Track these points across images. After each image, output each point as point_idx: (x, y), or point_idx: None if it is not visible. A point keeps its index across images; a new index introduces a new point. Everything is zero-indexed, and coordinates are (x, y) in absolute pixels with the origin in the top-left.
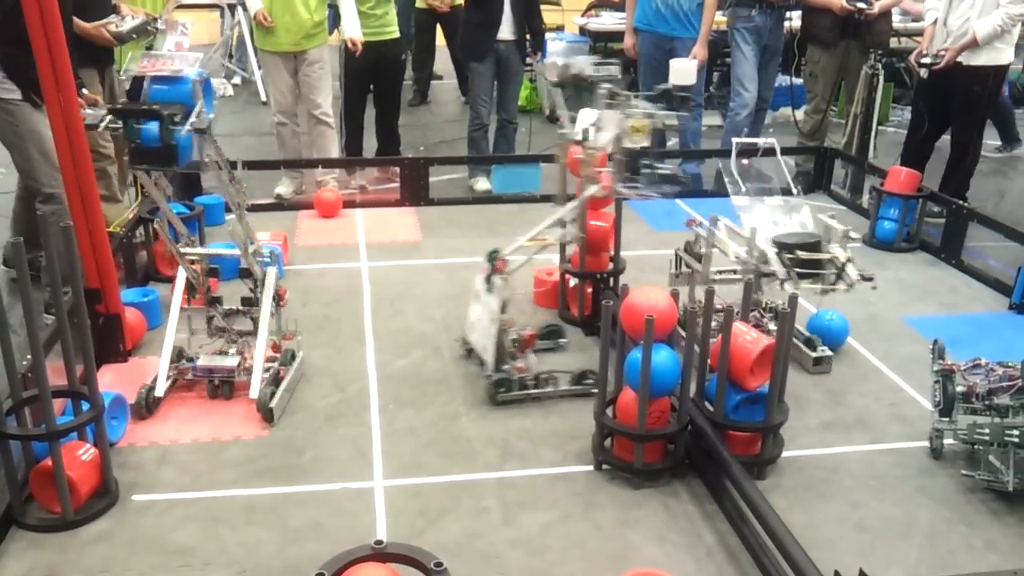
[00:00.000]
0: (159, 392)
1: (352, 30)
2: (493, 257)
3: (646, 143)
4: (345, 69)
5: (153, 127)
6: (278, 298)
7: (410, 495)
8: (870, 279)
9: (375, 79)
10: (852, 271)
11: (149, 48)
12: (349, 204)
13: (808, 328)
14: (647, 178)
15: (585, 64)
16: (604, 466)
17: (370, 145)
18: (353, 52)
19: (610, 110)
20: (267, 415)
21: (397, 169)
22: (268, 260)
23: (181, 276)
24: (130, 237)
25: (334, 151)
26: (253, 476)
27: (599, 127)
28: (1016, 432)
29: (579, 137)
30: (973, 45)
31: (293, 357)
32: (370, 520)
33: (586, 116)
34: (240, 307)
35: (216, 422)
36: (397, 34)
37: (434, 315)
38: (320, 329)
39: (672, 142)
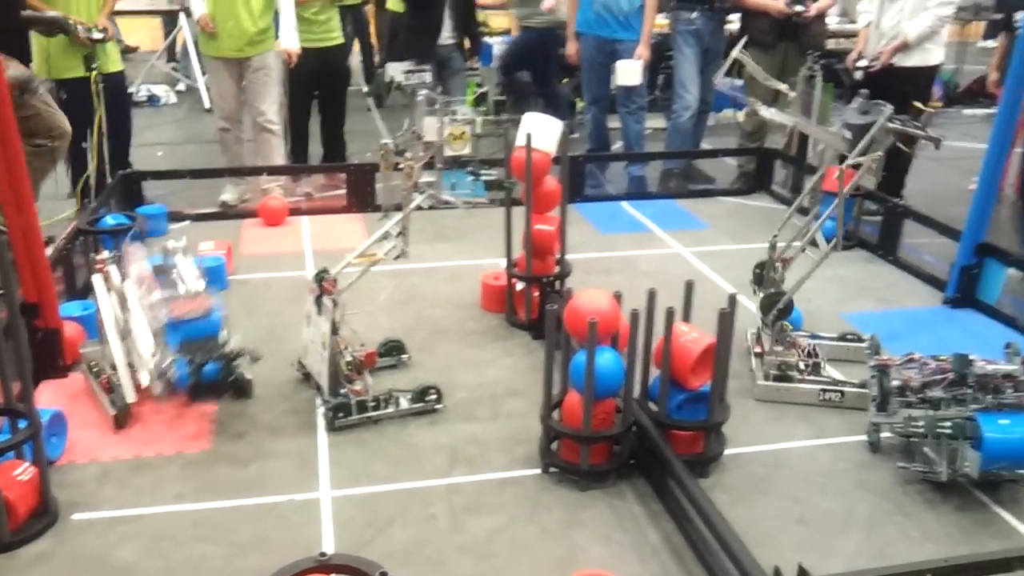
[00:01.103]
0: (130, 398)
1: (288, 41)
2: (321, 278)
3: (467, 150)
4: (290, 75)
5: (215, 367)
6: None
7: (357, 504)
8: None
9: (320, 85)
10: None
11: (88, 56)
12: (295, 212)
13: None
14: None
15: (397, 71)
16: (551, 469)
17: (317, 152)
18: (289, 62)
19: (430, 117)
20: (247, 388)
21: (343, 175)
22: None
23: (99, 283)
24: (69, 249)
25: (279, 159)
26: (197, 491)
27: (419, 135)
28: (948, 424)
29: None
30: (905, 47)
31: None
32: (317, 532)
33: (528, 122)
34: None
35: (158, 437)
36: (341, 40)
37: (382, 322)
38: (266, 340)
39: (617, 145)
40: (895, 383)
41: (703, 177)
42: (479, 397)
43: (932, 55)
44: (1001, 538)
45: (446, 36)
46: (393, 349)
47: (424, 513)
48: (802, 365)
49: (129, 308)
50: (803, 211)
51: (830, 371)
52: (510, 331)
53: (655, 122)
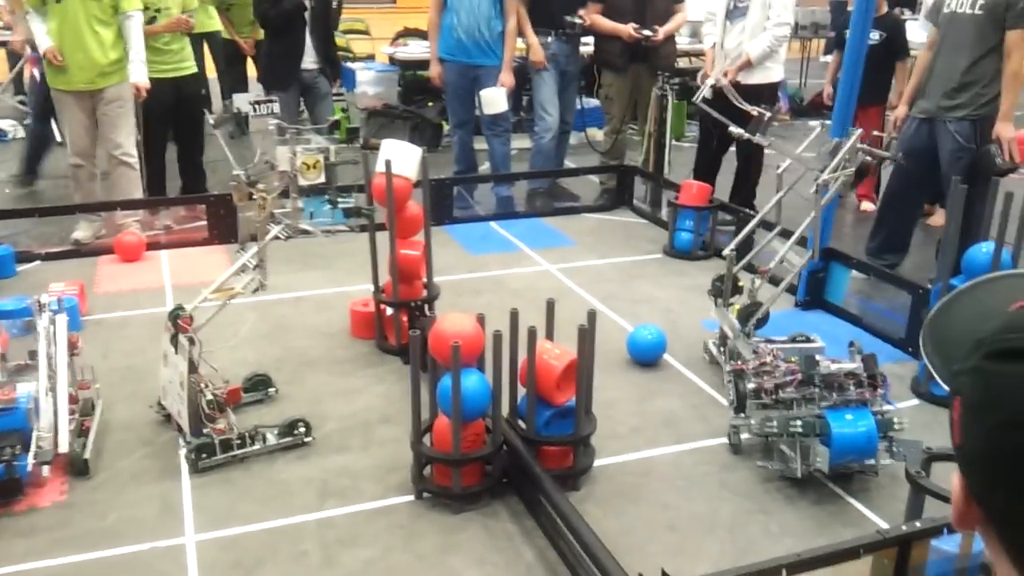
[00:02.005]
0: None
1: (137, 75)
2: (176, 315)
3: (321, 179)
4: (144, 107)
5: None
6: (71, 346)
7: (223, 547)
8: None
9: (176, 116)
10: None
11: None
12: (153, 246)
13: (629, 345)
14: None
15: (243, 101)
16: (425, 494)
17: (175, 184)
18: (138, 96)
19: (282, 146)
20: (82, 468)
21: (203, 207)
22: (57, 307)
23: None
24: None
25: (137, 192)
26: (50, 546)
27: (272, 165)
28: (799, 422)
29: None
30: (748, 65)
31: (93, 407)
32: None
33: (388, 148)
34: (28, 361)
35: (5, 492)
36: (195, 69)
37: (248, 357)
38: (123, 381)
39: (484, 166)
40: (751, 386)
41: (568, 195)
42: (350, 427)
43: (772, 72)
44: (853, 526)
45: (309, 61)
46: (259, 384)
47: (294, 551)
48: None
49: None
50: (767, 226)
51: None
52: (381, 357)
53: (520, 142)
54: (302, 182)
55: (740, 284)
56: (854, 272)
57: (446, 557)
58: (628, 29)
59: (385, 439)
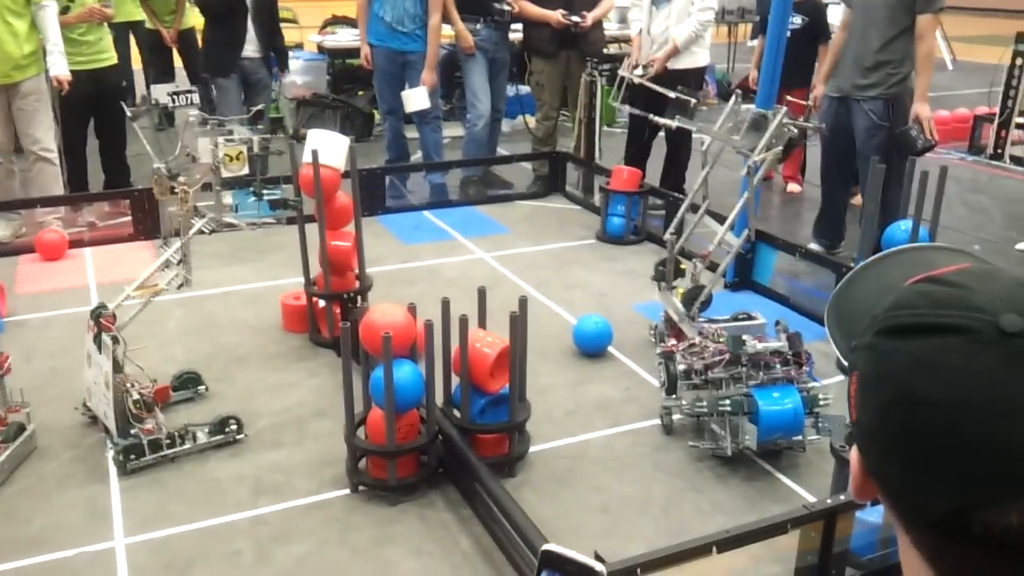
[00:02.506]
0: None
1: (57, 67)
2: (98, 314)
3: (245, 170)
4: (61, 100)
5: None
6: None
7: (154, 550)
8: None
9: (95, 109)
10: None
11: None
12: (77, 243)
13: (574, 336)
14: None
15: (161, 92)
16: (360, 487)
17: (98, 179)
18: (60, 90)
19: (203, 138)
20: None
21: (127, 202)
22: None
23: None
24: None
25: (57, 188)
26: None
27: (194, 157)
28: (728, 401)
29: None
30: (675, 52)
31: (22, 430)
32: None
33: (314, 138)
34: None
35: None
36: (115, 60)
37: (175, 354)
38: (47, 384)
39: (416, 155)
40: (681, 367)
41: (501, 182)
42: (283, 422)
43: (699, 57)
44: (783, 502)
45: (251, 50)
46: (188, 381)
47: (227, 550)
48: None
49: None
50: (693, 208)
51: None
52: (314, 350)
53: (452, 130)
54: (225, 174)
55: (683, 267)
56: (780, 252)
57: (382, 550)
58: (556, 15)
59: (319, 433)
